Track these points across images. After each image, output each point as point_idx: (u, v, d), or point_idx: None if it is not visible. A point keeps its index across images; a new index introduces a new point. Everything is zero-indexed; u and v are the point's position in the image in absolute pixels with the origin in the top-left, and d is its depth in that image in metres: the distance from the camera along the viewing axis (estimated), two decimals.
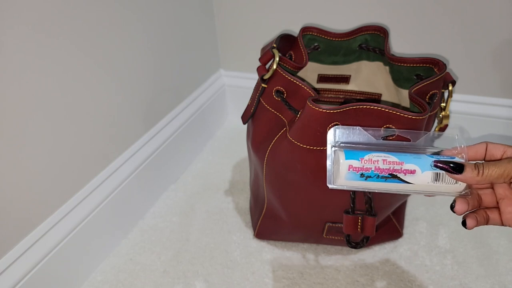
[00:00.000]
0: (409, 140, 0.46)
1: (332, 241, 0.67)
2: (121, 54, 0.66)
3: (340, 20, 0.83)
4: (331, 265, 0.66)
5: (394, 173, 0.41)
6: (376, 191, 0.43)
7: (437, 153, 0.43)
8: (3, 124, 0.49)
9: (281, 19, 0.88)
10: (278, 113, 0.59)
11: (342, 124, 0.51)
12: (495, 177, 0.38)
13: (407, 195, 0.62)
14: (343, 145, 0.44)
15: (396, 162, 0.41)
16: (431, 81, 0.54)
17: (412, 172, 0.41)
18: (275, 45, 0.59)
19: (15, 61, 0.49)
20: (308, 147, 0.53)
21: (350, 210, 0.56)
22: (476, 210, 0.43)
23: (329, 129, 0.44)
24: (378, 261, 0.66)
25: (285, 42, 0.64)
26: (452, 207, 0.42)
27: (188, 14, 0.82)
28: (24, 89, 0.51)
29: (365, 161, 0.41)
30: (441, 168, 0.40)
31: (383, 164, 0.41)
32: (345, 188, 0.42)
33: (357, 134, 0.45)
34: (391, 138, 0.49)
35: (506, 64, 0.77)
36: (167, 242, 0.71)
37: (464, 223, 0.41)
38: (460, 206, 0.41)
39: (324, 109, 0.49)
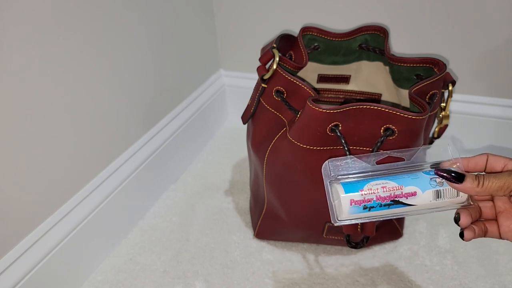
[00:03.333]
0: (402, 160, 0.45)
1: (332, 241, 0.67)
2: (121, 54, 0.66)
3: (340, 20, 0.83)
4: (331, 265, 0.66)
5: (396, 198, 0.41)
6: (382, 219, 0.42)
7: (435, 165, 0.43)
8: (3, 124, 0.49)
9: (281, 19, 0.88)
10: (278, 113, 0.59)
11: (342, 124, 0.51)
12: (494, 189, 0.38)
13: None
14: (339, 177, 0.43)
15: (396, 187, 0.41)
16: (431, 81, 0.54)
17: (413, 194, 0.41)
18: (275, 45, 0.59)
19: (15, 61, 0.49)
20: (308, 147, 0.53)
21: None
22: (475, 221, 0.42)
23: (322, 167, 0.44)
24: (378, 261, 0.66)
25: (285, 42, 0.64)
26: (456, 221, 0.42)
27: (188, 14, 0.82)
28: (23, 89, 0.51)
29: (365, 193, 0.41)
30: (442, 177, 0.40)
31: (383, 191, 0.41)
32: (350, 222, 0.42)
33: (350, 164, 0.44)
34: (383, 159, 0.48)
35: (506, 64, 0.77)
36: (167, 242, 0.71)
37: (461, 235, 0.41)
38: (465, 219, 0.41)
39: (324, 109, 0.49)
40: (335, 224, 0.42)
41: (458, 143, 0.86)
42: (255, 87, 0.62)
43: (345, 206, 0.41)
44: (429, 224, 0.72)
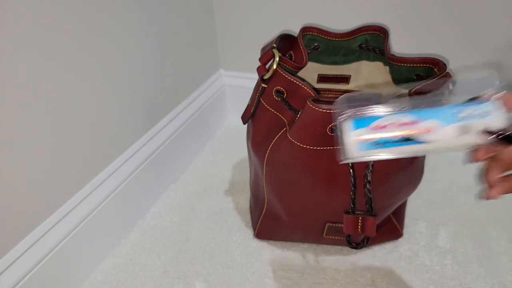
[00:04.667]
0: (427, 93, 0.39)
1: (332, 241, 0.67)
2: (121, 54, 0.66)
3: (340, 20, 0.83)
4: (331, 265, 0.66)
5: (409, 136, 0.36)
6: (393, 157, 0.37)
7: (474, 99, 0.36)
8: (3, 124, 0.49)
9: (281, 19, 0.88)
10: (278, 113, 0.59)
11: None
12: None
13: (409, 194, 0.62)
14: (352, 110, 0.38)
15: (410, 122, 0.35)
16: (431, 81, 0.54)
17: (430, 130, 0.35)
18: (275, 45, 0.59)
19: (15, 61, 0.49)
20: (308, 147, 0.53)
21: (350, 210, 0.56)
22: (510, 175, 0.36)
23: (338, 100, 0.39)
24: (378, 261, 0.66)
25: (285, 42, 0.64)
26: (469, 156, 0.36)
27: (188, 14, 0.82)
28: (23, 89, 0.51)
29: (374, 129, 0.36)
30: (490, 137, 0.34)
31: (395, 128, 0.35)
32: (359, 160, 0.37)
33: (368, 104, 0.38)
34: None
35: (506, 64, 0.77)
36: (167, 242, 0.71)
37: (482, 197, 0.36)
38: (480, 153, 0.35)
39: (324, 109, 0.49)
40: (345, 162, 0.37)
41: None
42: (255, 87, 0.62)
43: (351, 142, 0.36)
44: (429, 224, 0.72)
